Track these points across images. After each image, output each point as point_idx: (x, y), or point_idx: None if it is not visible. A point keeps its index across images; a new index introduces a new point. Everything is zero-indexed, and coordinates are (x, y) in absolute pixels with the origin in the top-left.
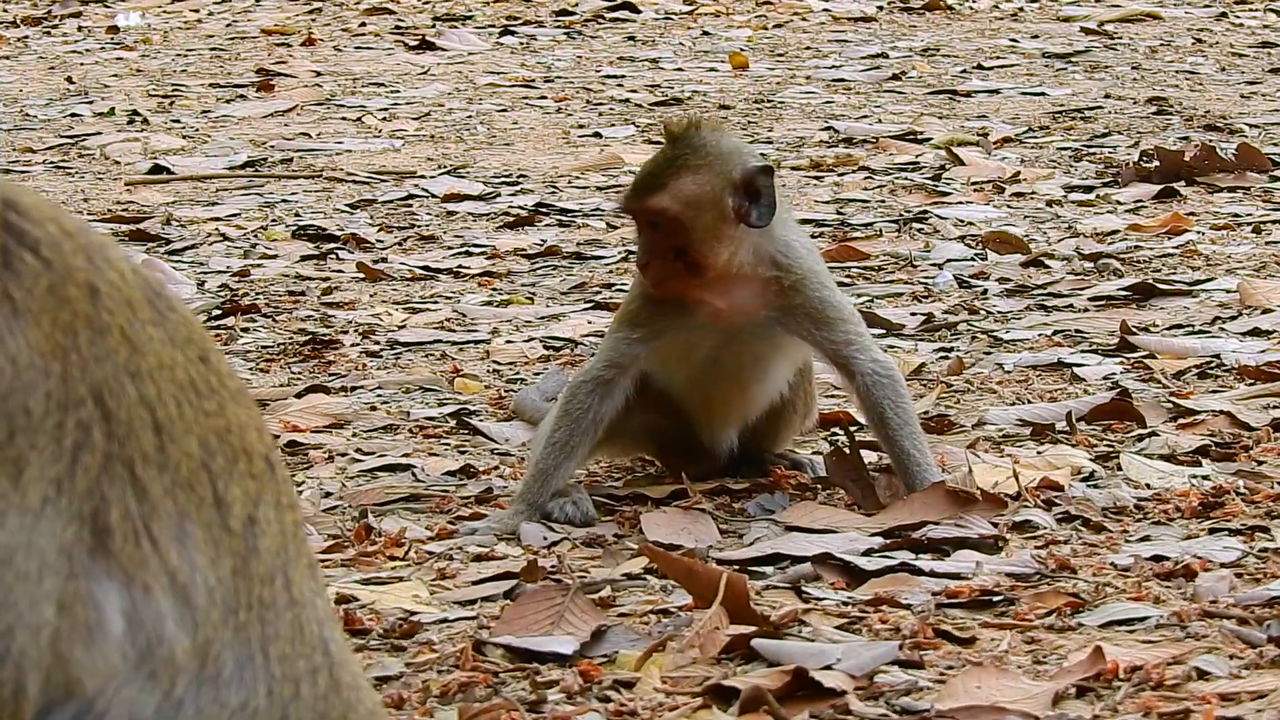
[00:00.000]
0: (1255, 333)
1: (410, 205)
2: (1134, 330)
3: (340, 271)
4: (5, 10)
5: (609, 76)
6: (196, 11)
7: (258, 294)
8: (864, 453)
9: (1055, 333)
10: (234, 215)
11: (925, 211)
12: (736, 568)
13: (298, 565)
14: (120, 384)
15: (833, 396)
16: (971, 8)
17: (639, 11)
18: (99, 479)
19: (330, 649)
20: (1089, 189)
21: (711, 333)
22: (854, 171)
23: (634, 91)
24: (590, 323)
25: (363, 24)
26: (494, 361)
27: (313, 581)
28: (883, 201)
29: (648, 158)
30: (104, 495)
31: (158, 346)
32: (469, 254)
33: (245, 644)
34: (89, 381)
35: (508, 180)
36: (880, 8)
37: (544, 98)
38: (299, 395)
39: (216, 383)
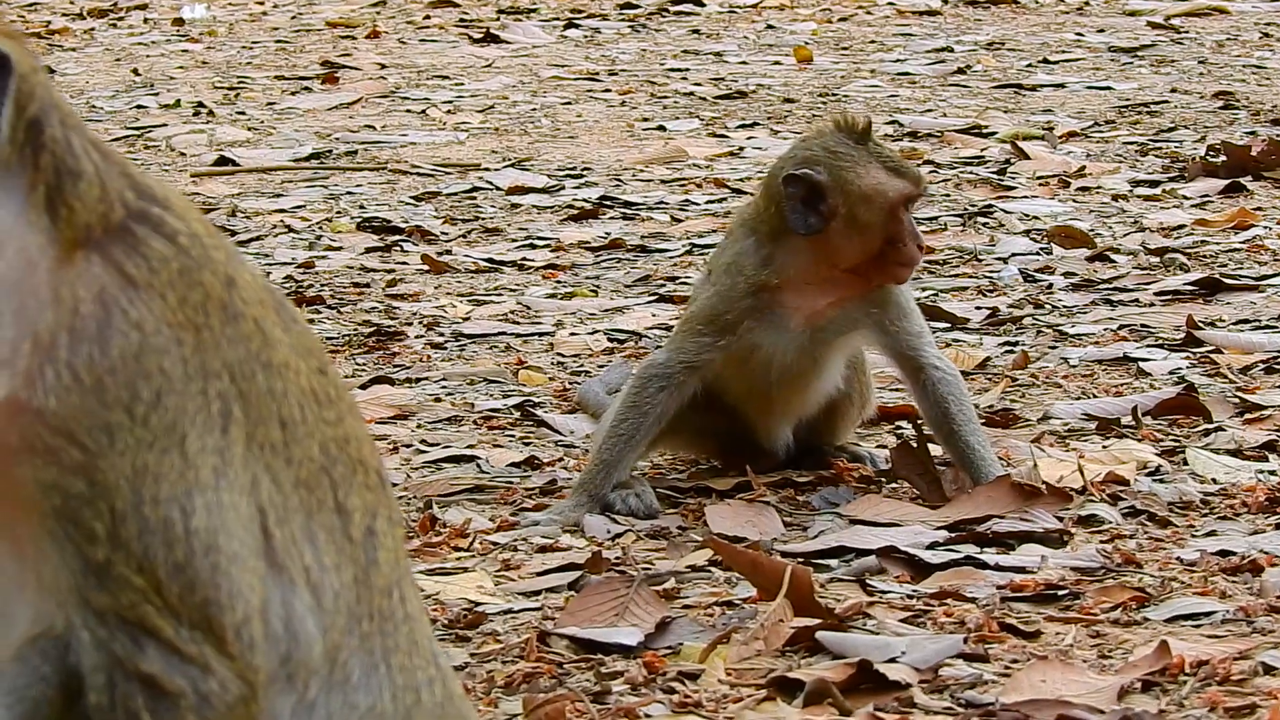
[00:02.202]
0: None
1: (475, 198)
2: (1200, 325)
3: (405, 264)
4: (72, 2)
5: (673, 70)
6: (262, 4)
7: (322, 286)
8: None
9: (1121, 327)
10: (299, 207)
11: (990, 206)
12: (801, 560)
13: (408, 580)
14: (252, 370)
15: (893, 390)
16: (1037, 1)
17: (703, 5)
18: (246, 455)
19: (439, 662)
20: (1155, 183)
21: (796, 336)
22: (919, 165)
23: (698, 85)
24: (654, 315)
25: (427, 17)
26: (558, 354)
27: (418, 599)
28: (948, 196)
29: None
30: (254, 474)
31: (284, 349)
32: (533, 246)
33: (369, 653)
34: (222, 358)
35: (572, 173)
36: (945, 1)
37: (608, 91)
38: (364, 387)
39: (335, 394)
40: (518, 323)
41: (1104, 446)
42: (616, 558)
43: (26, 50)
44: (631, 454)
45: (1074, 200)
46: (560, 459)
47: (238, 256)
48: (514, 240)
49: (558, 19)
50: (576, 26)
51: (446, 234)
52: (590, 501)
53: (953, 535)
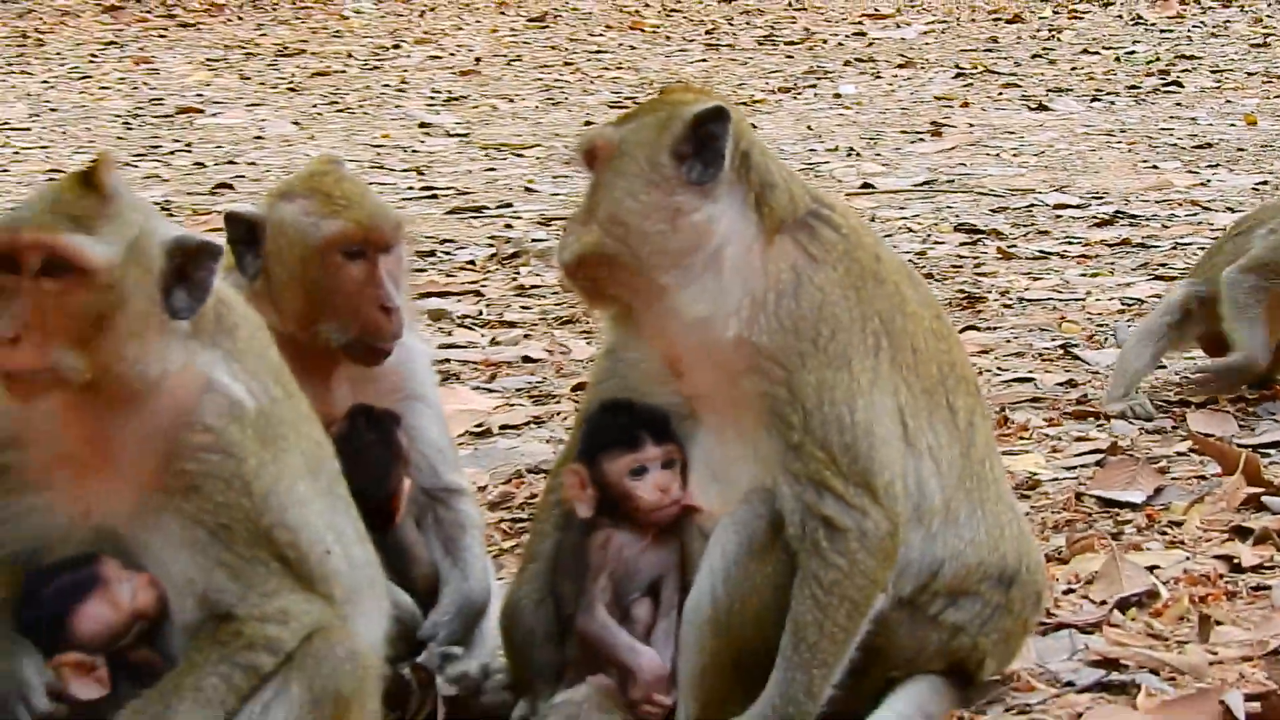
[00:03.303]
0: None
1: (1031, 211)
2: None
3: (985, 253)
4: (767, 82)
5: (1163, 128)
6: (891, 84)
7: (931, 266)
8: None
9: None
10: (916, 216)
11: None
12: (1251, 449)
13: (994, 456)
14: (892, 316)
15: None
16: None
17: (1183, 87)
18: (890, 371)
19: (1016, 509)
20: None
21: None
22: None
23: (1180, 139)
24: (1151, 289)
25: (1000, 93)
26: (1088, 312)
27: (1001, 468)
28: None
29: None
30: (895, 384)
31: (913, 303)
32: (1070, 243)
33: (970, 502)
34: (874, 308)
35: (1095, 195)
36: None
37: (1120, 142)
38: (960, 332)
39: (946, 333)
40: (1060, 292)
41: None
42: (1128, 445)
43: (735, 108)
44: (1146, 370)
45: None
46: (1088, 380)
47: (881, 241)
48: (1057, 239)
49: (1086, 95)
50: (1099, 100)
51: (1012, 234)
52: (1119, 406)
53: None
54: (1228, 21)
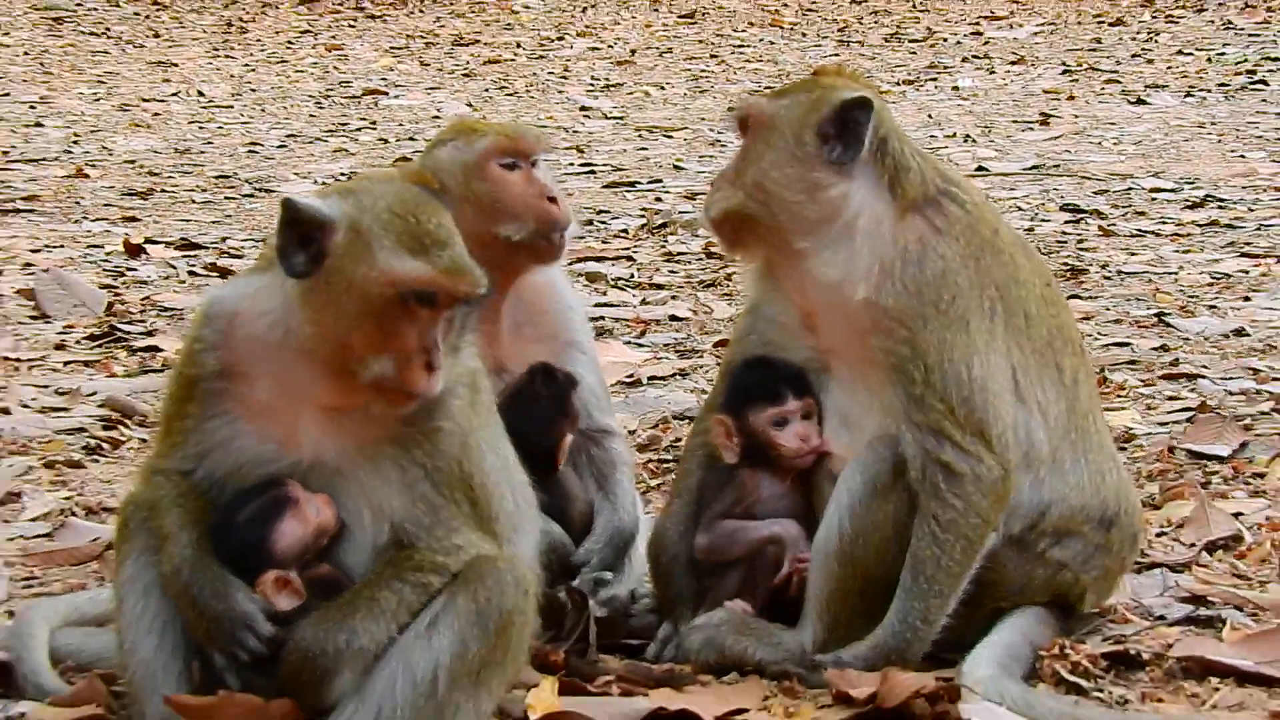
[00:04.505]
0: None
1: (1129, 194)
2: None
3: (1087, 230)
4: (892, 75)
5: (1250, 121)
6: (1004, 79)
7: (1039, 242)
8: None
9: None
10: (1025, 196)
11: None
12: None
13: (1097, 410)
14: (1007, 283)
15: None
16: None
17: (1268, 85)
18: (1004, 333)
19: (1116, 459)
20: None
21: None
22: None
23: (1265, 131)
24: (1237, 264)
25: (1102, 88)
26: (1179, 285)
27: (1103, 422)
28: None
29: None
30: (1008, 345)
31: (1025, 272)
32: (1164, 223)
33: (1075, 452)
34: (991, 277)
35: (1188, 181)
36: None
37: (1209, 134)
38: None
39: (1055, 299)
40: (1155, 267)
41: None
42: (1215, 404)
43: (880, 97)
44: None
45: None
46: (1179, 346)
47: (1001, 216)
48: (1153, 219)
49: (1180, 91)
50: (1192, 96)
51: (1112, 214)
52: None
53: None
54: None
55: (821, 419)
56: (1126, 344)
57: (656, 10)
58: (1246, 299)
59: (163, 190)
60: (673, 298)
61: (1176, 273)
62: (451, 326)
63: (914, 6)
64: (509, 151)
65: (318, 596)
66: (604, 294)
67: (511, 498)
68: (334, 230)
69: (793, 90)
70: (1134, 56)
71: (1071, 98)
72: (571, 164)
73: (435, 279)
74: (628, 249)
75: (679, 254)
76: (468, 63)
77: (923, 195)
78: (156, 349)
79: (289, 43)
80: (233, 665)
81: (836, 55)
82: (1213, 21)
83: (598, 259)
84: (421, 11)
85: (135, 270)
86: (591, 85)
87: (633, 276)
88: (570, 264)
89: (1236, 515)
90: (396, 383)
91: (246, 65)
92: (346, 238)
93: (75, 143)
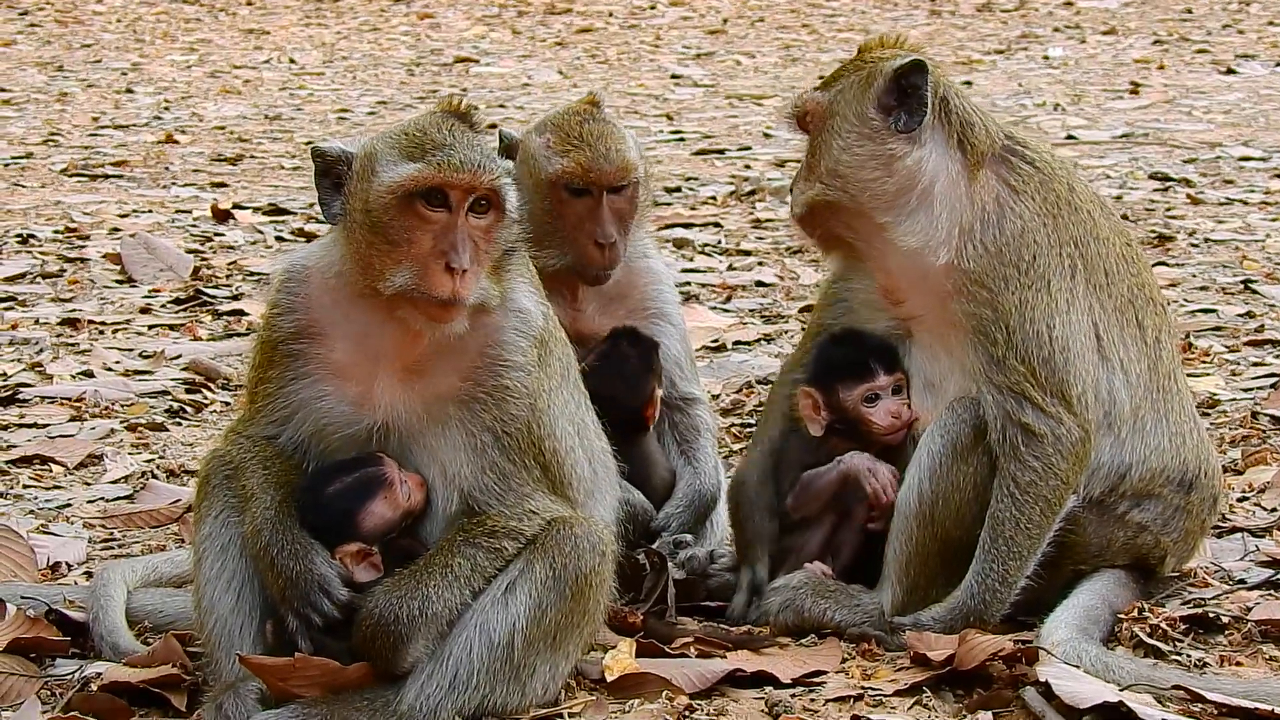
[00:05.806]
0: None
1: (1218, 163)
2: None
3: (1175, 198)
4: (983, 44)
5: None
6: (1094, 49)
7: (1126, 209)
8: None
9: None
10: (1114, 164)
11: None
12: None
13: (1179, 370)
14: (1086, 241)
15: None
16: None
17: None
18: (1085, 292)
19: (1197, 420)
20: None
21: None
22: None
23: None
24: None
25: (1192, 58)
26: (1266, 252)
27: (1185, 382)
28: None
29: None
30: (1089, 304)
31: (1104, 229)
32: (1252, 191)
33: (1156, 412)
34: (1069, 234)
35: (1277, 150)
36: None
37: None
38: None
39: (1136, 257)
40: (1242, 235)
41: None
42: None
43: (930, 57)
44: None
45: None
46: (1265, 314)
47: (1075, 172)
48: (1240, 187)
49: (1270, 61)
50: None
51: (1200, 182)
52: None
53: None
54: None
55: (909, 389)
56: (1212, 310)
57: None
58: None
59: (252, 156)
60: (759, 264)
61: (1264, 240)
62: (490, 239)
63: None
64: (581, 180)
65: (401, 566)
66: (691, 260)
67: (588, 464)
68: (352, 163)
69: (842, 74)
70: (1224, 27)
71: (1162, 67)
72: (661, 131)
73: (429, 175)
74: (715, 215)
75: (766, 221)
76: (560, 31)
77: (990, 149)
78: (242, 313)
79: (381, 10)
80: (306, 628)
81: (928, 25)
82: None
83: (686, 225)
84: None
85: (222, 235)
86: (683, 54)
87: (720, 243)
88: (659, 230)
89: None
90: (420, 290)
91: (338, 33)
92: (360, 165)
93: (166, 109)
